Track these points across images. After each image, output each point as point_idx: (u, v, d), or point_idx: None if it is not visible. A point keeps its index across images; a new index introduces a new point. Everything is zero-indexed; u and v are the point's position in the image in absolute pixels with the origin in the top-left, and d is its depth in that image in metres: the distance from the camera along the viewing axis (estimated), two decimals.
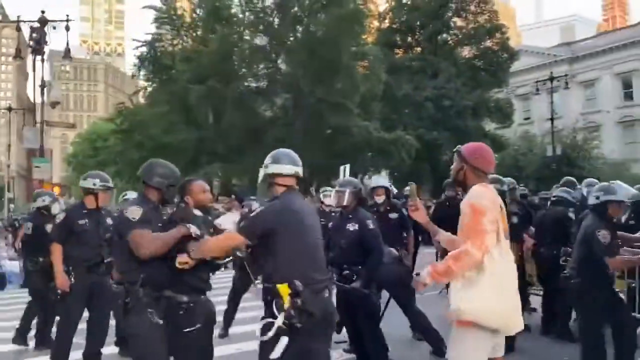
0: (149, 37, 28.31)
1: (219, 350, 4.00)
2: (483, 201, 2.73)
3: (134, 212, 3.19)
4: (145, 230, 3.13)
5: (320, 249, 3.06)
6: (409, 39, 34.78)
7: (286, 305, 2.72)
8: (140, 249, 3.09)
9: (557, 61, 40.77)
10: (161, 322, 3.12)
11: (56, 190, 16.21)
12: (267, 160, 3.11)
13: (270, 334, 2.72)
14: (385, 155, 25.57)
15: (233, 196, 22.55)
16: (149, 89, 29.42)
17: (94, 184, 4.78)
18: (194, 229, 3.19)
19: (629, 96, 39.06)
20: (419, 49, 34.31)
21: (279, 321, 2.72)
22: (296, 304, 2.72)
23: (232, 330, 5.98)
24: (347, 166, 18.27)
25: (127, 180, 25.20)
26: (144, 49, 27.65)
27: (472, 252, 2.63)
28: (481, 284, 2.66)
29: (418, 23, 33.42)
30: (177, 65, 26.71)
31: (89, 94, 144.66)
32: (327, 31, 24.36)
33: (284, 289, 2.74)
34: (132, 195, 5.58)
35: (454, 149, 3.05)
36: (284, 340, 2.72)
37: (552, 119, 27.13)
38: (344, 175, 18.66)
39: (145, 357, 3.13)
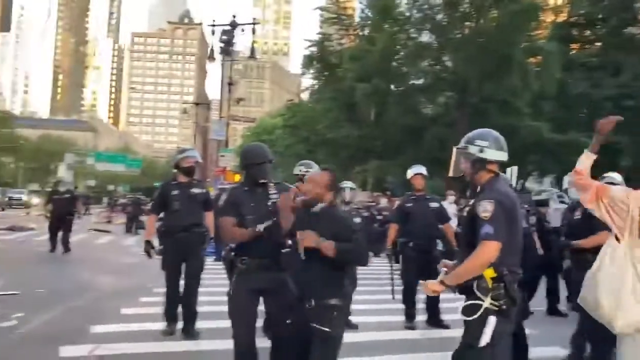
0: (317, 37, 29.79)
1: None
2: None
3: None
4: (228, 217, 3.70)
5: (521, 239, 3.00)
6: (588, 32, 32.01)
7: (490, 287, 2.78)
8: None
9: None
10: None
11: (237, 177, 17.84)
12: (482, 142, 2.95)
13: (477, 315, 2.79)
14: (556, 158, 23.91)
15: (388, 192, 22.82)
16: (316, 87, 30.87)
17: (300, 171, 5.68)
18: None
19: None
20: (599, 43, 31.40)
21: (487, 303, 2.79)
22: (500, 288, 2.78)
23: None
24: (515, 168, 17.49)
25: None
26: (314, 48, 29.11)
27: None
28: None
29: (600, 15, 30.60)
30: (344, 64, 27.69)
31: (257, 91, 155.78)
32: (498, 26, 23.42)
33: (489, 272, 2.79)
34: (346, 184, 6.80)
35: None
36: (492, 320, 2.78)
37: None
38: (511, 178, 17.90)
39: None
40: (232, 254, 3.72)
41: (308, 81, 32.76)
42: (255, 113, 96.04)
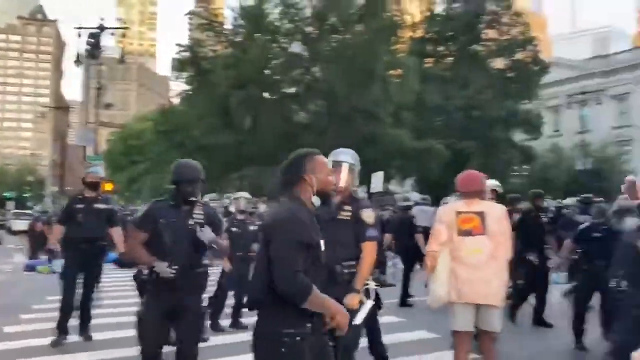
0: (188, 41, 29.54)
1: None
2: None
3: None
4: (139, 232, 3.72)
5: None
6: (441, 48, 35.28)
7: None
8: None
9: (589, 74, 40.75)
10: None
11: (109, 186, 17.26)
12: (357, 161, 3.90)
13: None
14: (416, 164, 26.17)
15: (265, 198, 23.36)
16: (189, 92, 30.53)
17: None
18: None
19: None
20: (450, 59, 34.79)
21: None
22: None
23: None
24: (381, 173, 19.05)
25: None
26: (185, 53, 28.81)
27: None
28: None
29: (451, 33, 33.94)
30: (218, 70, 27.80)
31: (122, 93, 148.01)
32: (363, 41, 25.13)
33: None
34: None
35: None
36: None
37: (582, 132, 27.38)
38: (377, 182, 19.37)
39: None
40: (144, 274, 3.71)
41: (178, 85, 32.30)
42: (121, 117, 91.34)
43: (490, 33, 34.32)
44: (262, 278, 2.31)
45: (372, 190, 20.36)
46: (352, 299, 3.30)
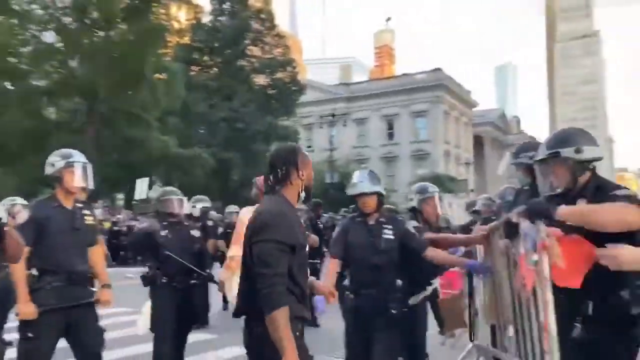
0: None
1: None
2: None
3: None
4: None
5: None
6: (207, 58, 35.78)
7: None
8: None
9: (337, 98, 46.05)
10: None
11: None
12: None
13: None
14: (182, 171, 26.00)
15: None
16: None
17: None
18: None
19: (391, 136, 45.95)
20: (216, 69, 35.52)
21: None
22: None
23: None
24: (146, 180, 18.53)
25: None
26: None
27: None
28: None
29: (217, 45, 34.68)
30: None
31: None
32: (129, 41, 24.05)
33: None
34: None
35: None
36: None
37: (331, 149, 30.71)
38: (142, 189, 18.76)
39: None
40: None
41: None
42: None
43: (255, 50, 36.12)
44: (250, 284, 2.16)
45: (136, 197, 19.59)
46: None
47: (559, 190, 2.52)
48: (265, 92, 35.57)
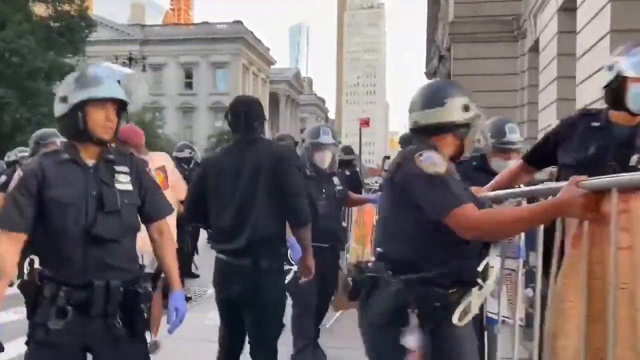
0: None
1: None
2: None
3: None
4: None
5: None
6: None
7: None
8: None
9: (131, 40, 42.78)
10: None
11: None
12: None
13: None
14: None
15: None
16: None
17: None
18: None
19: (189, 85, 44.63)
20: None
21: None
22: None
23: None
24: None
25: None
26: None
27: None
28: None
29: None
30: None
31: None
32: None
33: None
34: None
35: None
36: None
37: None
38: None
39: None
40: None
41: None
42: None
43: None
44: None
45: None
46: None
47: None
48: (48, 25, 31.41)
